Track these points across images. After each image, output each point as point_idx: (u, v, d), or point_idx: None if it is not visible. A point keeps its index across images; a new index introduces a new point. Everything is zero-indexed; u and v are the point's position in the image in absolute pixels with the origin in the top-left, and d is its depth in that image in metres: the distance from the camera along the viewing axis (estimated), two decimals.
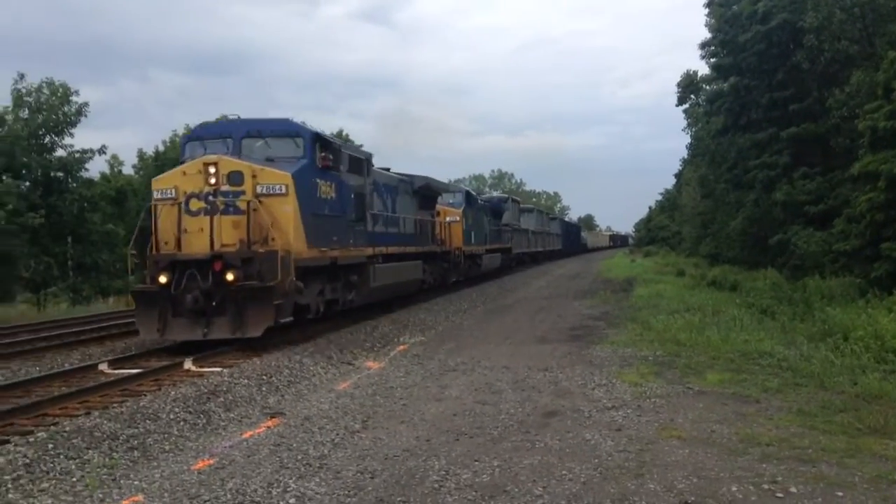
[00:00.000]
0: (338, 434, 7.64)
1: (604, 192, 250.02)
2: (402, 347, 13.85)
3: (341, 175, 15.70)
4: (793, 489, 5.71)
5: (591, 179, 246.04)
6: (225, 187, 13.09)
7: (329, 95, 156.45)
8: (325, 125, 69.78)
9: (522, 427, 7.74)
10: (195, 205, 13.15)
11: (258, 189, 13.12)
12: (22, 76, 33.15)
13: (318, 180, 14.43)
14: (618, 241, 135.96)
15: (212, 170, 13.08)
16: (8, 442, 7.21)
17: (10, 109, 32.78)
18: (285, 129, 14.45)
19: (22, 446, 7.04)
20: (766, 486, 5.80)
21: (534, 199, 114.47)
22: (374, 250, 17.87)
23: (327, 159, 14.68)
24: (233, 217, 13.04)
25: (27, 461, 6.69)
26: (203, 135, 14.92)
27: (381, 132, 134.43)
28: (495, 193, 59.62)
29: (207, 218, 13.03)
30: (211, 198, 13.09)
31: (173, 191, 13.28)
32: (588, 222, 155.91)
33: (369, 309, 19.91)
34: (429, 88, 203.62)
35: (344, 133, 68.21)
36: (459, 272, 29.23)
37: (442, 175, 40.55)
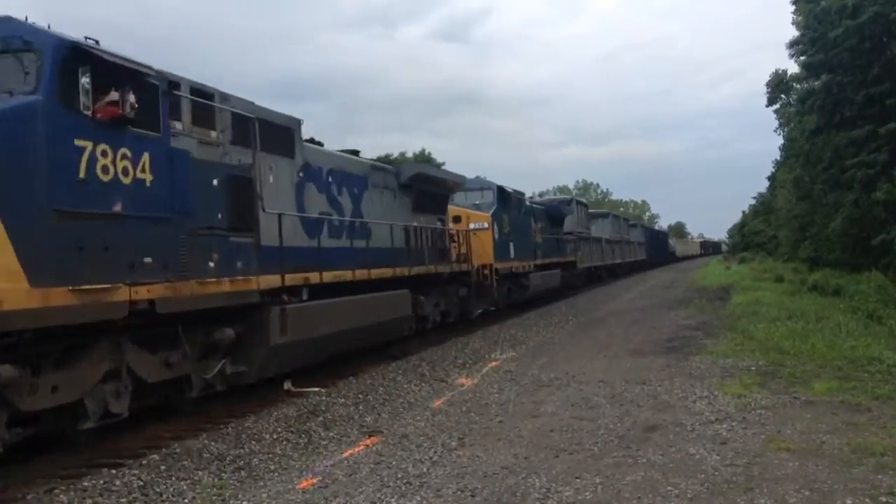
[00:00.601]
0: (435, 452, 7.66)
1: (694, 198, 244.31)
2: (493, 363, 13.82)
3: (177, 139, 9.09)
4: None
5: (680, 186, 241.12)
6: None
7: (411, 115, 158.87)
8: (408, 145, 70.44)
9: (623, 442, 7.60)
10: None
11: None
12: None
13: (75, 140, 7.47)
14: (710, 248, 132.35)
15: None
16: (122, 465, 7.51)
17: None
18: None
19: (136, 469, 7.34)
20: (883, 499, 5.53)
21: (621, 209, 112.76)
22: (287, 279, 10.95)
23: (118, 104, 7.87)
24: None
25: (141, 483, 6.96)
26: None
27: (465, 149, 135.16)
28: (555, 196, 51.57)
29: None
30: None
31: None
32: (679, 230, 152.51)
33: (461, 325, 19.47)
34: (509, 102, 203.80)
35: (427, 152, 69.06)
36: (488, 299, 21.87)
37: (526, 188, 35.32)
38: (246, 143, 10.52)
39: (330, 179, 13.54)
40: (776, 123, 55.48)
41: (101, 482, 6.93)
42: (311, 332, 11.28)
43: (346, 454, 7.85)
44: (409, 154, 61.16)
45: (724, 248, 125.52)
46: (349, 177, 14.32)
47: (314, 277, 11.86)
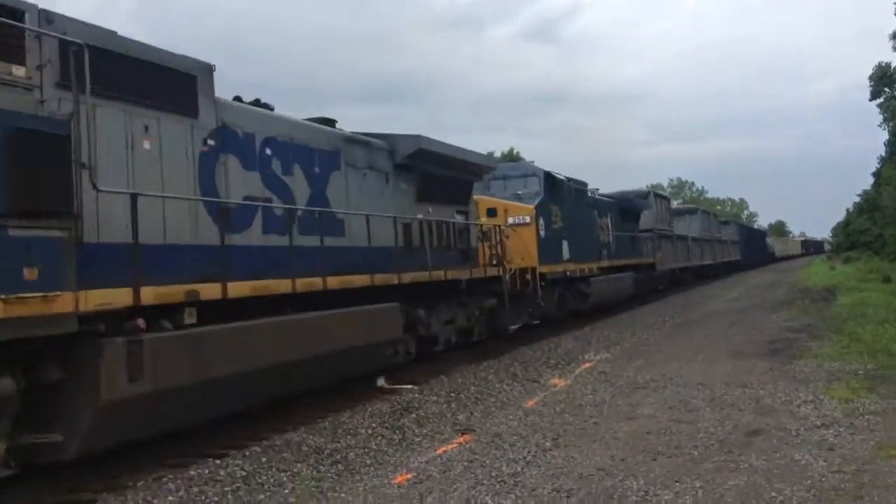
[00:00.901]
0: (529, 452, 7.62)
1: (795, 196, 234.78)
2: (587, 364, 13.65)
3: None
4: None
5: (780, 184, 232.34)
6: None
7: (498, 115, 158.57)
8: (495, 144, 70.22)
9: (724, 447, 7.38)
10: None
11: None
12: None
13: None
14: (811, 247, 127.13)
15: None
16: (227, 455, 7.79)
17: None
18: None
19: (239, 460, 7.59)
20: None
21: (718, 207, 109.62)
22: (150, 294, 7.28)
23: None
24: None
25: (244, 474, 7.19)
26: None
27: (555, 148, 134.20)
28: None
29: None
30: None
31: None
32: (779, 229, 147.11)
33: (547, 324, 19.23)
34: (599, 101, 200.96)
35: (515, 151, 68.71)
36: (532, 311, 18.22)
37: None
38: (62, 84, 6.98)
39: (269, 152, 9.98)
40: (880, 118, 52.83)
41: (207, 471, 7.20)
42: (196, 373, 7.61)
43: (439, 451, 7.90)
44: (498, 153, 60.89)
45: (826, 247, 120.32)
46: (305, 151, 10.74)
47: (209, 291, 8.03)
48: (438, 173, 14.27)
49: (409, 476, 7.01)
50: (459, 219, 15.41)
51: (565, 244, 20.24)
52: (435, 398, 10.75)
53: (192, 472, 7.17)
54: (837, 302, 23.28)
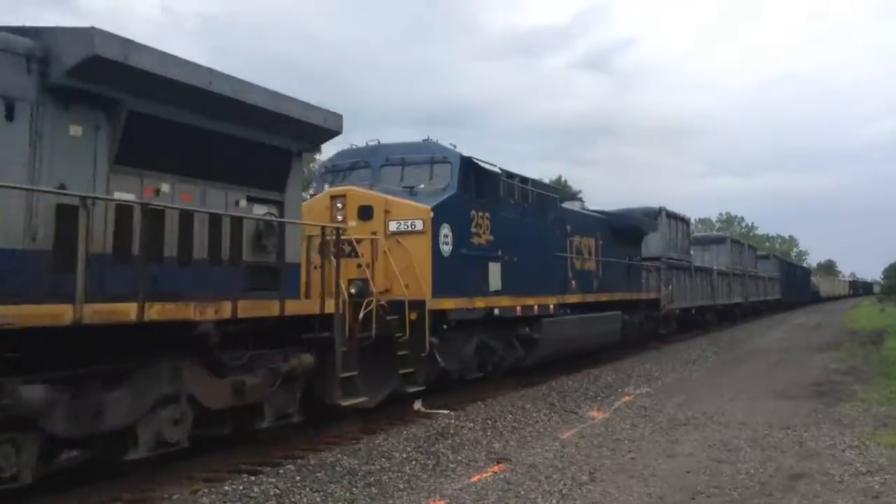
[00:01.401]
0: (565, 485, 7.52)
1: (848, 235, 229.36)
2: (627, 398, 13.47)
3: None
4: None
5: (833, 223, 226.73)
6: None
7: (550, 143, 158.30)
8: (545, 172, 69.87)
9: (765, 489, 7.20)
10: None
11: None
12: None
13: None
14: (859, 288, 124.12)
15: None
16: (261, 472, 7.82)
17: None
18: None
19: (273, 477, 7.61)
20: None
21: (767, 244, 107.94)
22: None
23: None
24: None
25: (278, 492, 7.21)
26: None
27: (603, 179, 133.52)
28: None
29: None
30: None
31: None
32: (829, 268, 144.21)
33: (589, 357, 18.48)
34: (651, 132, 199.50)
35: (563, 179, 68.55)
36: (417, 370, 11.42)
37: None
38: None
39: None
40: None
41: (241, 487, 7.22)
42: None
43: (474, 479, 7.84)
44: (546, 180, 60.80)
45: (876, 289, 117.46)
46: None
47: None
48: (179, 119, 7.68)
49: (443, 503, 6.96)
50: (260, 213, 8.91)
51: (495, 268, 13.86)
52: (471, 424, 10.68)
53: (227, 488, 7.20)
54: (886, 345, 22.66)
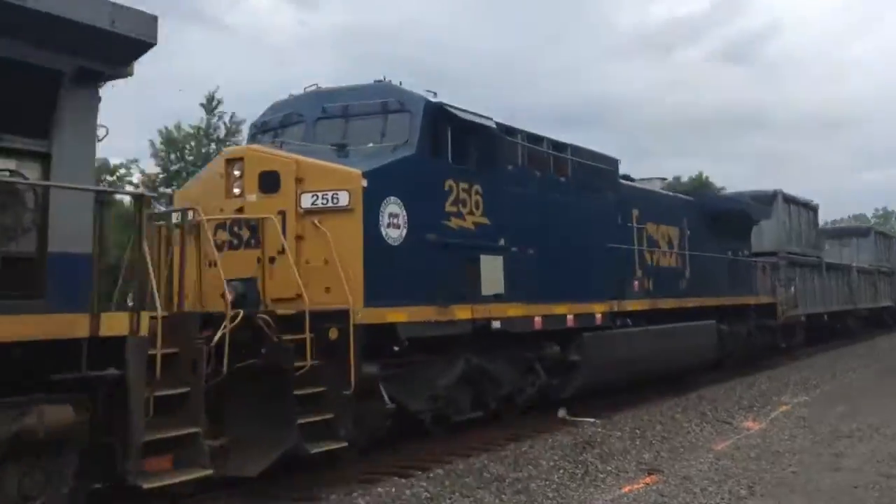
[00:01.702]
0: (722, 498, 7.23)
1: None
2: (784, 408, 12.81)
3: None
4: None
5: None
6: None
7: (687, 139, 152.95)
8: (683, 168, 67.35)
9: None
10: None
11: None
12: None
13: None
14: None
15: None
16: (412, 476, 8.01)
17: None
18: None
19: (423, 481, 7.76)
20: None
21: None
22: None
23: None
24: None
25: (428, 496, 7.33)
26: None
27: (749, 174, 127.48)
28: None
29: None
30: None
31: None
32: None
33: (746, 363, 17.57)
34: (800, 124, 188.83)
35: (704, 176, 65.98)
36: (343, 419, 7.65)
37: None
38: None
39: None
40: None
41: (393, 489, 7.42)
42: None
43: (625, 490, 7.67)
44: (685, 178, 58.70)
45: None
46: None
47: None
48: None
49: None
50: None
51: (492, 264, 10.08)
52: (618, 434, 10.48)
53: (380, 489, 7.41)
54: None
